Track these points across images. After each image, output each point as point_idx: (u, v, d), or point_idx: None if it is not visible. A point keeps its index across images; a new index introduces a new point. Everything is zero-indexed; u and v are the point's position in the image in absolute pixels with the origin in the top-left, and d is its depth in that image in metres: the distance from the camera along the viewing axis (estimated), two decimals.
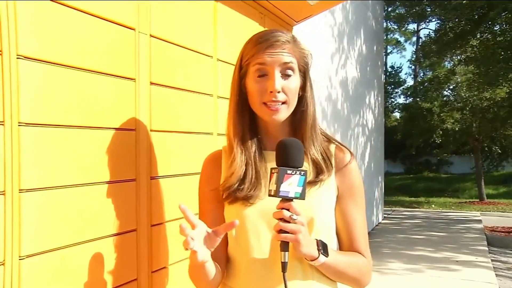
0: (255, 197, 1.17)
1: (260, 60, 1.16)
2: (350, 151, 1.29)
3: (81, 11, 1.23)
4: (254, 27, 2.24)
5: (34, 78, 1.10)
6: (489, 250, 7.38)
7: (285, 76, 1.17)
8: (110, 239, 1.33)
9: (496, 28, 11.08)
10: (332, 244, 1.23)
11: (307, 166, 1.18)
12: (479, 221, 10.63)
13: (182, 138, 1.68)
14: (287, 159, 1.06)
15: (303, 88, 1.23)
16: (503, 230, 9.59)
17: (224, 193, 1.20)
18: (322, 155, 1.23)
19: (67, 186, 1.19)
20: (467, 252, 7.04)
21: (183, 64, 1.69)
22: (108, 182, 1.32)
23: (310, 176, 1.18)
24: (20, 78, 1.07)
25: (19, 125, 1.07)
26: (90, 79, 1.27)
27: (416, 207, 14.27)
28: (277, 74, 1.16)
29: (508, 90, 11.94)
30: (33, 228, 1.09)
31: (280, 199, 1.05)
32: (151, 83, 1.51)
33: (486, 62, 10.75)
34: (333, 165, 1.24)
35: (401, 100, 28.67)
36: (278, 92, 1.15)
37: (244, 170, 1.19)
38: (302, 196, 1.04)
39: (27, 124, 1.08)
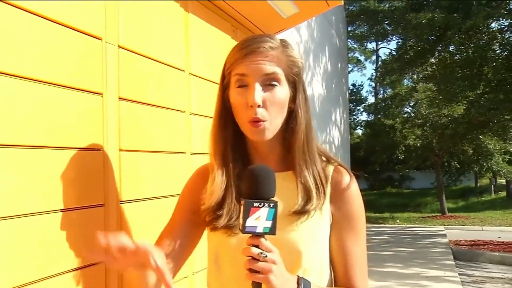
0: (237, 226, 1.02)
1: (239, 69, 1.03)
2: (349, 173, 1.15)
3: (41, 16, 1.09)
4: (226, 41, 2.15)
5: None
6: (455, 264, 7.48)
7: (268, 86, 1.03)
8: (76, 272, 1.17)
9: (453, 48, 11.49)
10: (325, 280, 1.10)
11: (294, 193, 1.06)
12: (444, 235, 10.83)
13: (154, 157, 1.55)
14: (254, 190, 0.92)
15: (293, 100, 1.08)
16: (466, 244, 9.78)
17: (205, 216, 1.08)
18: (315, 179, 1.08)
19: (27, 215, 1.03)
20: (435, 267, 7.10)
21: (154, 78, 1.57)
22: (73, 209, 1.17)
23: (297, 206, 1.04)
24: None
25: None
26: (52, 93, 1.12)
27: (381, 223, 14.43)
28: (258, 85, 1.02)
29: (465, 107, 12.34)
30: None
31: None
32: (120, 98, 1.38)
33: (445, 80, 11.10)
34: (327, 192, 1.10)
35: (363, 117, 29.32)
36: (258, 106, 1.01)
37: (223, 192, 1.06)
38: (272, 231, 0.91)
39: None
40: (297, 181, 1.07)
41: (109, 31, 1.34)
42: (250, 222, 0.90)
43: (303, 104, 1.10)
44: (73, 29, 1.20)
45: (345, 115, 10.82)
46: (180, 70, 1.75)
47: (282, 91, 1.05)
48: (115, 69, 1.36)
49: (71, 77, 1.19)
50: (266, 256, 0.89)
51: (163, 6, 1.64)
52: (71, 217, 1.16)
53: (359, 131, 29.54)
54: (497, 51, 10.33)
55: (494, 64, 10.02)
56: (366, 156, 21.09)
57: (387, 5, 13.80)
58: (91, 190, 1.24)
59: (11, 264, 0.99)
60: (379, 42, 28.31)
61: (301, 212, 1.04)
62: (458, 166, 19.79)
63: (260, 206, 0.90)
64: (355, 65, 33.05)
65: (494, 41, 10.13)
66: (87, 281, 1.20)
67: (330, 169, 1.13)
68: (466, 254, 8.59)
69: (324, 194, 1.08)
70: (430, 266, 7.14)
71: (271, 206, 0.91)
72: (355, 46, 27.37)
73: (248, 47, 1.03)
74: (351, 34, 18.99)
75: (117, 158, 1.36)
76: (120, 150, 1.37)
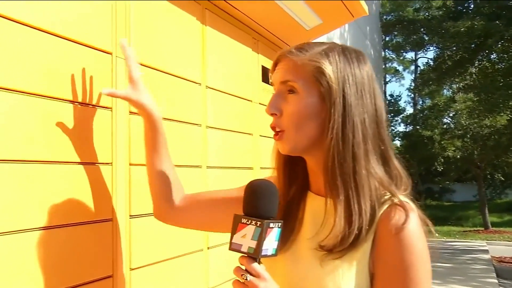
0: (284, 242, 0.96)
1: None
2: (406, 210, 0.89)
3: (50, 33, 1.10)
4: (247, 53, 2.14)
5: None
6: (498, 282, 7.12)
7: (288, 95, 0.95)
8: None
9: (494, 56, 11.11)
10: None
11: (324, 223, 0.91)
12: (486, 251, 10.36)
13: None
14: (246, 205, 0.87)
15: (325, 111, 0.92)
16: (511, 261, 9.31)
17: None
18: (350, 215, 0.87)
19: (35, 229, 1.03)
20: (476, 285, 6.80)
21: (167, 92, 1.56)
22: (80, 223, 1.16)
23: (321, 241, 0.90)
24: None
25: None
26: (62, 109, 1.13)
27: None
28: (275, 94, 0.97)
29: (508, 117, 11.86)
30: None
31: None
32: (131, 112, 1.37)
33: (485, 89, 10.75)
34: (368, 236, 0.89)
35: (401, 128, 28.67)
36: (272, 114, 0.96)
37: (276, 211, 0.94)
38: (255, 253, 0.83)
39: None
40: (325, 210, 0.92)
41: (119, 46, 1.34)
42: (236, 239, 0.86)
43: (341, 113, 0.91)
44: (82, 45, 1.21)
45: None
46: (196, 83, 1.73)
47: (301, 101, 0.93)
48: (125, 83, 1.36)
49: (80, 92, 1.19)
50: (247, 279, 0.83)
51: (177, 20, 1.64)
52: (79, 232, 1.16)
53: (397, 142, 28.92)
54: None
55: None
56: (404, 167, 20.60)
57: (425, 14, 13.55)
58: (99, 204, 1.23)
59: (18, 278, 0.98)
60: (418, 52, 27.78)
61: (326, 249, 0.90)
62: (503, 178, 19.02)
63: (247, 223, 0.85)
64: (393, 75, 32.50)
65: None
66: None
67: (383, 207, 0.91)
68: (510, 272, 8.17)
69: (358, 238, 0.87)
70: (470, 284, 6.84)
71: (258, 224, 0.83)
72: (393, 56, 26.97)
73: (276, 56, 1.00)
74: (388, 44, 18.74)
75: (127, 172, 1.35)
76: (130, 164, 1.36)
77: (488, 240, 12.92)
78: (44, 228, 1.06)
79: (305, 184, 1.03)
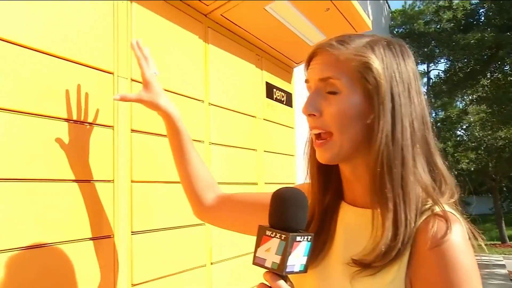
0: (314, 257, 0.88)
1: (305, 75, 0.90)
2: (448, 220, 0.78)
3: (51, 55, 1.14)
4: (250, 69, 2.16)
5: None
6: None
7: (329, 95, 0.84)
8: None
9: (506, 68, 11.04)
10: None
11: (361, 237, 0.84)
12: (503, 266, 10.13)
13: (167, 188, 1.55)
14: (271, 216, 0.79)
15: (372, 111, 0.82)
16: None
17: None
18: (397, 229, 0.78)
19: (37, 245, 1.05)
20: None
21: None
22: (82, 240, 1.19)
23: (359, 254, 0.82)
24: None
25: None
26: (64, 128, 1.16)
27: None
28: (313, 92, 0.86)
29: None
30: None
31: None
32: (132, 130, 1.40)
33: (498, 101, 10.66)
34: (406, 251, 0.79)
35: None
36: (309, 115, 0.85)
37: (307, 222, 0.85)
38: (279, 269, 0.75)
39: None
40: (372, 222, 0.83)
41: (121, 65, 1.37)
42: (260, 252, 0.78)
43: (385, 117, 0.81)
44: (84, 65, 1.24)
45: None
46: (199, 100, 1.76)
47: (346, 100, 0.83)
48: (127, 103, 1.39)
49: (81, 110, 1.22)
50: None
51: (180, 38, 1.67)
52: (79, 248, 1.18)
53: None
54: None
55: None
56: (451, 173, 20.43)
57: (436, 27, 13.54)
58: (99, 221, 1.26)
59: None
60: (430, 64, 27.69)
61: (362, 264, 0.81)
62: None
63: (271, 235, 0.77)
64: None
65: None
66: None
67: (423, 217, 0.81)
68: None
69: (399, 252, 0.78)
70: None
71: (282, 238, 0.75)
72: None
73: (312, 49, 0.88)
74: None
75: (129, 189, 1.37)
76: (132, 181, 1.38)
77: (505, 254, 12.66)
78: (46, 245, 1.09)
79: (339, 193, 0.94)
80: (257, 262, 0.78)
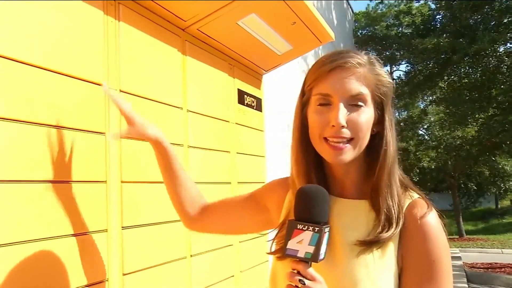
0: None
1: (322, 87, 0.95)
2: (428, 203, 0.99)
3: (44, 69, 1.30)
4: (223, 77, 2.35)
5: None
6: (469, 286, 7.41)
7: (354, 107, 0.94)
8: None
9: (461, 71, 11.62)
10: None
11: (363, 224, 0.98)
12: (459, 258, 10.69)
13: (153, 188, 1.72)
14: (301, 211, 0.88)
15: (380, 123, 0.99)
16: (482, 267, 9.66)
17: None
18: (392, 211, 0.96)
19: (32, 240, 1.21)
20: None
21: (153, 117, 1.76)
22: (79, 234, 1.35)
23: (370, 236, 0.95)
24: None
25: None
26: (58, 134, 1.32)
27: None
28: (342, 105, 0.93)
29: (476, 129, 12.37)
30: None
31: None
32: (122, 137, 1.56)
33: (454, 102, 11.20)
34: (399, 224, 0.96)
35: None
36: (342, 126, 0.93)
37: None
38: (314, 258, 0.85)
39: None
40: (381, 211, 0.97)
41: (111, 77, 1.54)
42: (291, 244, 0.85)
43: (390, 126, 1.00)
44: (75, 78, 1.39)
45: None
46: (178, 107, 1.94)
47: (368, 113, 0.96)
48: (117, 110, 1.55)
49: (76, 120, 1.38)
50: (304, 283, 0.84)
51: (161, 52, 1.84)
52: (77, 241, 1.34)
53: None
54: (506, 74, 10.42)
55: (503, 86, 10.10)
56: None
57: (397, 31, 14.03)
58: (95, 217, 1.42)
59: (21, 285, 1.16)
60: (392, 66, 28.45)
61: (374, 241, 0.94)
62: (476, 188, 19.54)
63: (303, 229, 0.85)
64: None
65: (502, 65, 10.23)
66: None
67: (407, 201, 1.00)
68: (481, 277, 8.49)
69: (398, 225, 0.95)
70: None
71: (316, 230, 0.84)
72: None
73: (334, 62, 0.95)
74: None
75: (119, 189, 1.54)
76: (122, 182, 1.55)
77: (462, 247, 13.30)
78: (47, 238, 1.25)
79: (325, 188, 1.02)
80: (289, 253, 0.86)
